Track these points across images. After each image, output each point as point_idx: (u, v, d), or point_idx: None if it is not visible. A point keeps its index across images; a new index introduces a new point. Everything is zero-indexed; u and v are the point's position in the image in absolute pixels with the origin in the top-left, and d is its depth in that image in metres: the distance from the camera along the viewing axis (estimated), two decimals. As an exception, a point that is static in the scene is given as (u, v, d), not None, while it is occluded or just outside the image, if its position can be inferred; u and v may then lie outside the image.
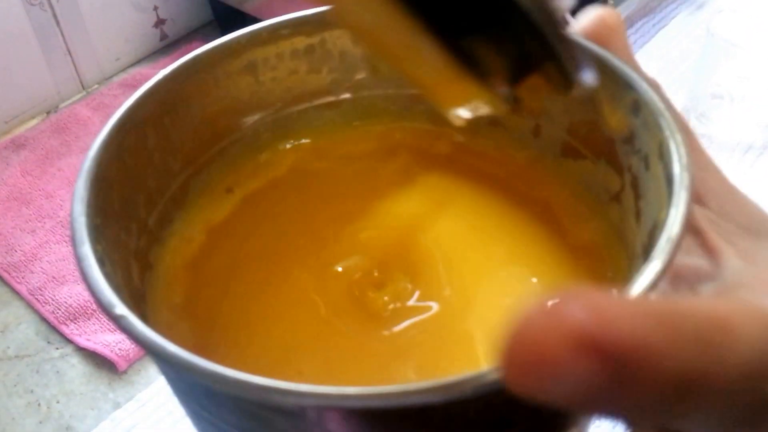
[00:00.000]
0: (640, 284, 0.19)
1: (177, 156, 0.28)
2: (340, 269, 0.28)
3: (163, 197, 0.28)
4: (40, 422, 0.49)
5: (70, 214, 0.21)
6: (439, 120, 0.31)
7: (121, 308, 0.19)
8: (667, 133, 0.23)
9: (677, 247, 0.20)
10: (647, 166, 0.24)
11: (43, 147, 0.75)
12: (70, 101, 0.81)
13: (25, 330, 0.57)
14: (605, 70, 0.25)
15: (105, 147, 0.24)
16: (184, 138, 0.28)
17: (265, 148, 0.31)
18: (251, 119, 0.30)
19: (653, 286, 0.19)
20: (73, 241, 0.20)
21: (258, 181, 0.31)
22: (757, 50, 0.61)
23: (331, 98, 0.32)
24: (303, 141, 0.32)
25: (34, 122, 0.78)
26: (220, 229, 0.30)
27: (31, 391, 0.53)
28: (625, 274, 0.26)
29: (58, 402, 0.51)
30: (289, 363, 0.26)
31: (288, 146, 0.32)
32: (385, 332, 0.27)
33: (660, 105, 0.24)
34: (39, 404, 0.51)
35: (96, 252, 0.21)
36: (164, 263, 0.28)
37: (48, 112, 0.79)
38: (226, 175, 0.31)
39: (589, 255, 0.28)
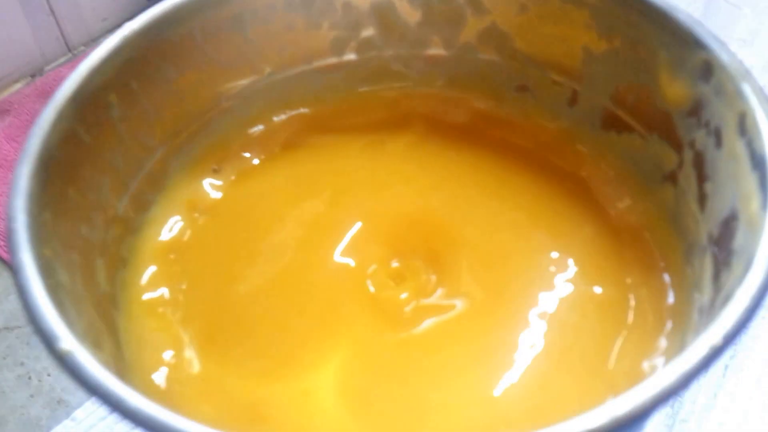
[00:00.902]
0: (742, 298, 0.16)
1: (153, 129, 0.24)
2: (349, 261, 0.24)
3: (136, 178, 0.24)
4: (31, 395, 0.46)
5: (6, 212, 0.17)
6: (459, 84, 0.27)
7: (68, 341, 0.15)
8: (753, 102, 0.19)
9: None
10: (719, 143, 0.20)
11: (29, 112, 0.70)
12: (55, 64, 0.76)
13: (15, 301, 0.54)
14: (666, 24, 0.21)
15: (54, 123, 0.19)
16: (159, 107, 0.24)
17: (256, 120, 0.27)
18: (239, 85, 0.26)
19: (759, 300, 0.15)
20: (10, 247, 0.16)
21: (248, 158, 0.27)
22: (761, 14, 0.57)
23: (333, 59, 0.27)
24: (300, 111, 0.28)
25: (17, 86, 0.74)
26: (206, 213, 0.26)
27: (22, 364, 0.50)
28: (681, 267, 0.23)
29: (49, 375, 0.48)
30: (293, 379, 0.22)
31: (283, 117, 0.27)
32: (403, 335, 0.23)
33: (740, 68, 0.19)
34: (30, 377, 0.48)
35: (41, 258, 0.17)
36: (141, 256, 0.24)
37: (32, 76, 0.75)
38: (212, 151, 0.26)
39: (635, 241, 0.24)
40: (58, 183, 0.20)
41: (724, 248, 0.19)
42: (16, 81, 0.73)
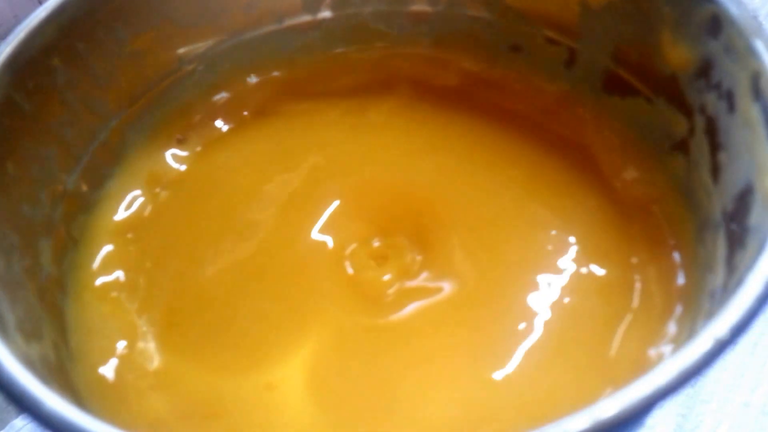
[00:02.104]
0: (754, 284, 0.14)
1: (105, 95, 0.22)
2: (326, 240, 0.22)
3: (88, 150, 0.22)
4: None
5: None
6: (447, 44, 0.25)
7: None
8: (766, 60, 0.16)
9: None
10: (731, 107, 0.18)
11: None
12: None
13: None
14: None
15: None
16: (112, 71, 0.22)
17: (223, 85, 0.25)
18: (202, 47, 0.24)
19: None
20: None
21: (216, 126, 0.25)
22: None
23: (306, 17, 0.25)
24: (273, 74, 0.25)
25: (-4, 50, 0.71)
26: (169, 188, 0.24)
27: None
28: (693, 246, 0.21)
29: None
30: (257, 371, 0.20)
31: (252, 81, 0.25)
32: (384, 321, 0.21)
33: (752, 22, 0.17)
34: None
35: None
36: (94, 236, 0.22)
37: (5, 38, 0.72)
38: (175, 119, 0.24)
39: (642, 215, 0.22)
40: None
41: (738, 225, 0.17)
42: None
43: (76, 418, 0.14)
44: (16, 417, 0.37)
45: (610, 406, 0.13)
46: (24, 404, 0.14)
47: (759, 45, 0.17)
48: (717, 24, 0.18)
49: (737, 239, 0.17)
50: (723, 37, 0.18)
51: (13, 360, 0.14)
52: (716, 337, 0.13)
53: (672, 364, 0.13)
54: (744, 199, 0.17)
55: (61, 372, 0.18)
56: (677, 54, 0.20)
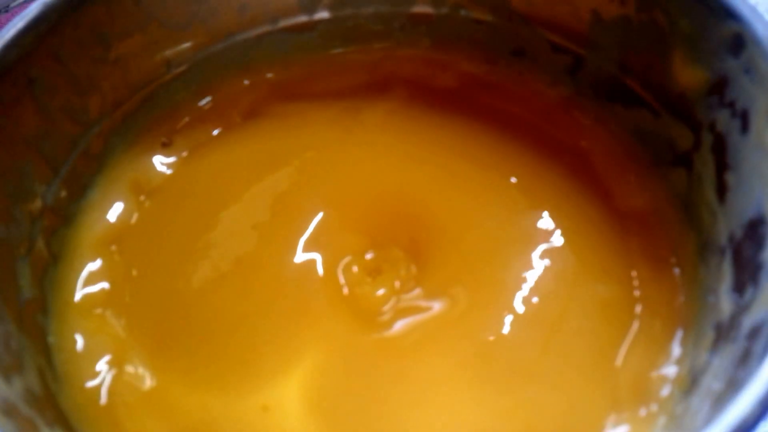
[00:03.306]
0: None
1: (86, 102, 0.21)
2: (317, 253, 0.21)
3: (68, 159, 0.21)
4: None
5: None
6: (448, 46, 0.24)
7: None
8: None
9: None
10: (745, 128, 0.18)
11: (-9, 51, 0.66)
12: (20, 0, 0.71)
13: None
14: None
15: None
16: (94, 78, 0.21)
17: (213, 88, 0.24)
18: (192, 49, 0.23)
19: None
20: None
21: (204, 130, 0.24)
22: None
23: (302, 18, 0.24)
24: (265, 76, 0.24)
25: (-21, 22, 0.69)
26: (154, 195, 0.23)
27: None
28: (694, 264, 0.20)
29: None
30: (252, 392, 0.19)
31: (244, 84, 0.24)
32: (381, 338, 0.20)
33: None
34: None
35: None
36: (75, 250, 0.21)
37: (-5, 11, 0.70)
38: (161, 123, 0.23)
39: (641, 227, 0.22)
40: None
41: (750, 257, 0.17)
42: (-23, 17, 0.69)
43: None
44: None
45: None
46: None
47: None
48: (740, 42, 0.18)
49: (748, 273, 0.17)
50: (744, 57, 0.18)
51: None
52: None
53: None
54: (755, 229, 0.17)
55: (49, 402, 0.18)
56: (689, 74, 0.19)
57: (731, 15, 0.17)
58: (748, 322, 0.16)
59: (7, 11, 0.68)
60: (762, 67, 0.17)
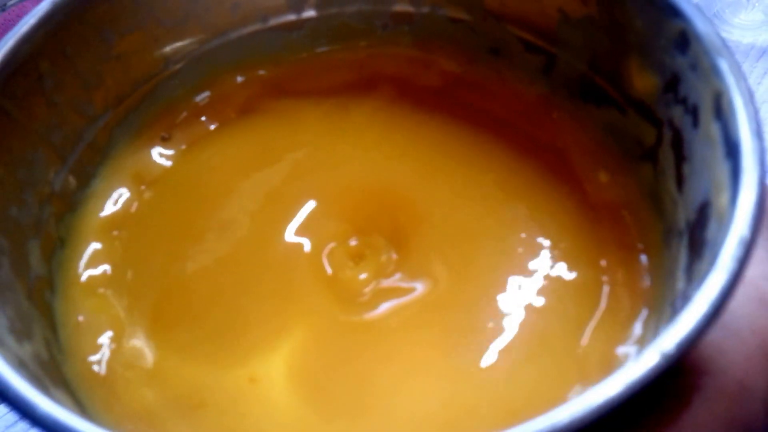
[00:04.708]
0: (702, 302, 0.15)
1: (92, 96, 0.22)
2: (305, 238, 0.23)
3: (75, 150, 0.22)
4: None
5: None
6: (428, 44, 0.25)
7: None
8: (729, 80, 0.17)
9: (750, 252, 0.15)
10: (696, 123, 0.19)
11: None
12: (20, -1, 0.73)
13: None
14: None
15: None
16: (99, 73, 0.22)
17: (208, 84, 0.25)
18: (188, 47, 0.24)
19: (719, 307, 0.14)
20: None
21: (201, 125, 0.25)
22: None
23: (291, 17, 0.25)
24: (257, 73, 0.26)
25: (-14, 24, 0.70)
26: (154, 185, 0.24)
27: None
28: (659, 250, 0.21)
29: None
30: (240, 365, 0.21)
31: (238, 80, 0.25)
32: (361, 318, 0.22)
33: (717, 41, 0.18)
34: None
35: None
36: (81, 234, 0.23)
37: None
38: (161, 118, 0.25)
39: (612, 218, 0.23)
40: None
41: (698, 236, 0.18)
42: (-18, 18, 0.70)
43: (66, 419, 0.14)
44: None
45: (561, 415, 0.14)
46: (19, 408, 0.15)
47: (723, 65, 0.17)
48: (685, 40, 0.18)
49: (696, 250, 0.18)
50: (690, 54, 0.18)
51: (6, 365, 0.15)
52: (662, 351, 0.14)
53: (620, 377, 0.14)
54: (703, 211, 0.18)
55: (54, 367, 0.19)
56: (643, 80, 0.20)
57: (676, 13, 0.18)
58: (690, 293, 0.17)
59: (4, 10, 0.69)
60: (704, 63, 0.18)
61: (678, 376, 0.17)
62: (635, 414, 0.17)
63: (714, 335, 0.16)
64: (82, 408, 0.19)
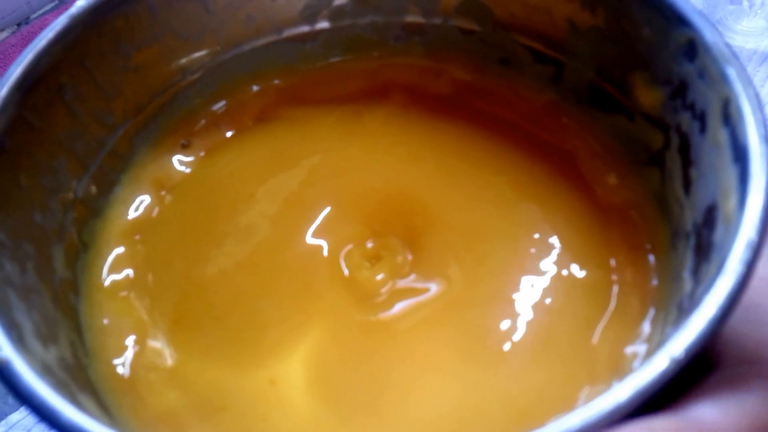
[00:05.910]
0: (710, 305, 0.15)
1: (112, 106, 0.23)
2: (322, 241, 0.23)
3: (96, 158, 0.23)
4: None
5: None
6: (440, 54, 0.26)
7: (5, 349, 0.14)
8: (737, 87, 0.18)
9: (758, 255, 0.15)
10: (703, 129, 0.19)
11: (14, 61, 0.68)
12: (41, 11, 0.74)
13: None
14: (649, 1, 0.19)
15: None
16: (118, 84, 0.23)
17: (226, 93, 0.26)
18: (204, 58, 0.24)
19: (728, 311, 0.15)
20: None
21: (219, 132, 0.26)
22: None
23: (305, 28, 0.26)
24: (272, 82, 0.26)
25: (3, 35, 0.72)
26: (174, 191, 0.25)
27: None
28: (666, 251, 0.22)
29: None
30: (260, 367, 0.21)
31: (254, 89, 0.26)
32: (379, 318, 0.22)
33: (725, 50, 0.18)
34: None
35: None
36: (104, 239, 0.23)
37: (18, 24, 0.73)
38: (180, 125, 0.25)
39: (621, 220, 0.23)
40: (8, 172, 0.19)
41: (705, 238, 0.18)
42: (1, 30, 0.72)
43: (89, 426, 0.15)
44: (13, 411, 0.38)
45: (573, 420, 0.14)
46: (43, 415, 0.15)
47: (731, 72, 0.18)
48: (692, 48, 0.19)
49: (703, 252, 0.18)
50: (698, 62, 0.19)
51: (30, 372, 0.15)
52: (672, 356, 0.14)
53: (631, 382, 0.14)
54: (710, 214, 0.18)
55: (80, 370, 0.19)
56: (648, 96, 0.21)
57: (683, 22, 0.19)
58: (698, 296, 0.17)
59: (27, 23, 0.71)
60: (712, 71, 0.18)
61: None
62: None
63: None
64: (107, 412, 0.20)
